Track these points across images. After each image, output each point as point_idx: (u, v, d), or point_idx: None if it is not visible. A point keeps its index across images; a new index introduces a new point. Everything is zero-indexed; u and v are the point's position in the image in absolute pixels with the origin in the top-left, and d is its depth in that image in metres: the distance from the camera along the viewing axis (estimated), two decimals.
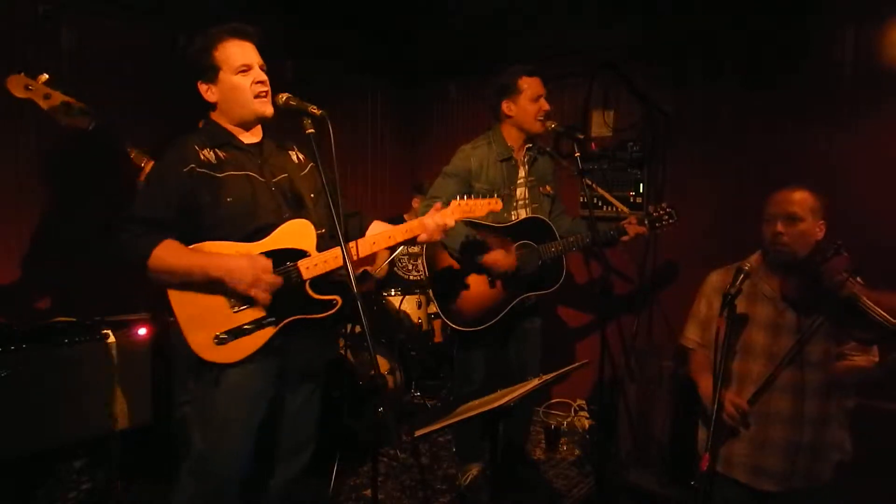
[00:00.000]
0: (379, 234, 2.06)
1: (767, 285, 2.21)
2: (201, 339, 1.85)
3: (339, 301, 1.96)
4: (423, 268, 3.00)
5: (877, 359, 2.12)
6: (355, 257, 1.96)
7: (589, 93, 4.14)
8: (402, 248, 4.17)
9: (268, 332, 1.89)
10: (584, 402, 4.12)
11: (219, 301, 1.87)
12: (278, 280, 1.85)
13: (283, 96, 1.91)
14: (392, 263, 4.21)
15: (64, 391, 2.65)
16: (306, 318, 1.93)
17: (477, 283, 2.93)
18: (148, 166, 2.47)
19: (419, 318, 3.86)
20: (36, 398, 2.57)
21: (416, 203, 4.38)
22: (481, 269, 2.89)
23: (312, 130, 1.83)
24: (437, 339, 4.07)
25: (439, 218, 2.08)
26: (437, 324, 4.06)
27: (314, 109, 1.83)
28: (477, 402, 2.03)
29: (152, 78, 3.28)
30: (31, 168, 3.05)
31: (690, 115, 3.77)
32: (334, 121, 1.79)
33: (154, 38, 3.35)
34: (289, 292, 1.90)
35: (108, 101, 3.26)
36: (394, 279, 4.31)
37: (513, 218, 2.99)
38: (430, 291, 3.04)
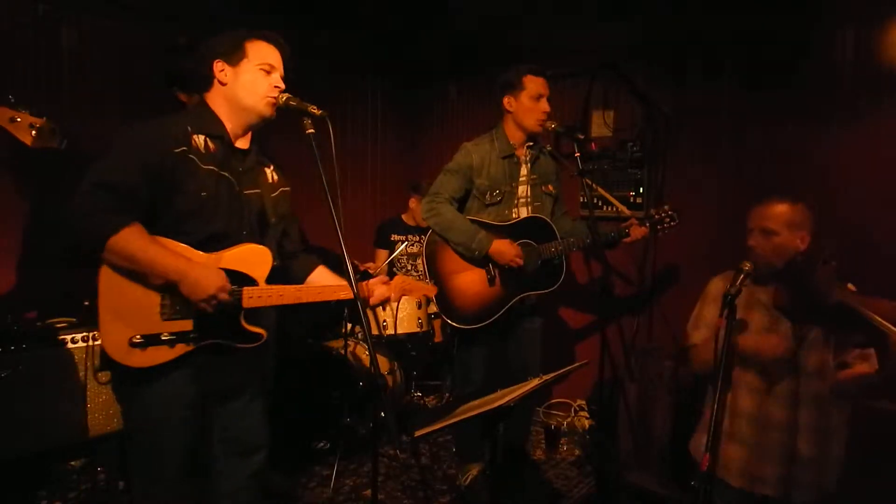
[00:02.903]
0: (309, 289, 1.97)
1: (763, 293, 2.22)
2: (116, 336, 1.72)
3: (265, 336, 1.92)
4: (423, 267, 3.00)
5: (877, 365, 2.12)
6: (277, 299, 1.88)
7: (589, 93, 4.14)
8: (402, 248, 4.19)
9: (184, 348, 1.80)
10: (584, 402, 4.12)
11: (151, 301, 1.76)
12: (231, 302, 1.78)
13: (283, 96, 1.89)
14: (391, 263, 4.20)
15: (64, 391, 2.65)
16: (225, 344, 1.87)
17: (476, 282, 2.94)
18: None
19: (419, 318, 3.85)
20: (36, 398, 2.57)
21: (412, 203, 4.37)
22: (482, 266, 2.90)
23: (313, 130, 1.82)
24: (438, 338, 4.07)
25: (386, 291, 2.07)
26: (437, 324, 4.06)
27: (314, 109, 1.82)
28: (477, 402, 2.03)
29: (152, 78, 3.28)
30: (31, 165, 3.05)
31: (690, 115, 3.77)
32: (334, 121, 1.79)
33: (154, 38, 3.35)
34: (221, 315, 1.82)
35: (108, 101, 3.30)
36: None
37: (514, 216, 3.00)
38: None
